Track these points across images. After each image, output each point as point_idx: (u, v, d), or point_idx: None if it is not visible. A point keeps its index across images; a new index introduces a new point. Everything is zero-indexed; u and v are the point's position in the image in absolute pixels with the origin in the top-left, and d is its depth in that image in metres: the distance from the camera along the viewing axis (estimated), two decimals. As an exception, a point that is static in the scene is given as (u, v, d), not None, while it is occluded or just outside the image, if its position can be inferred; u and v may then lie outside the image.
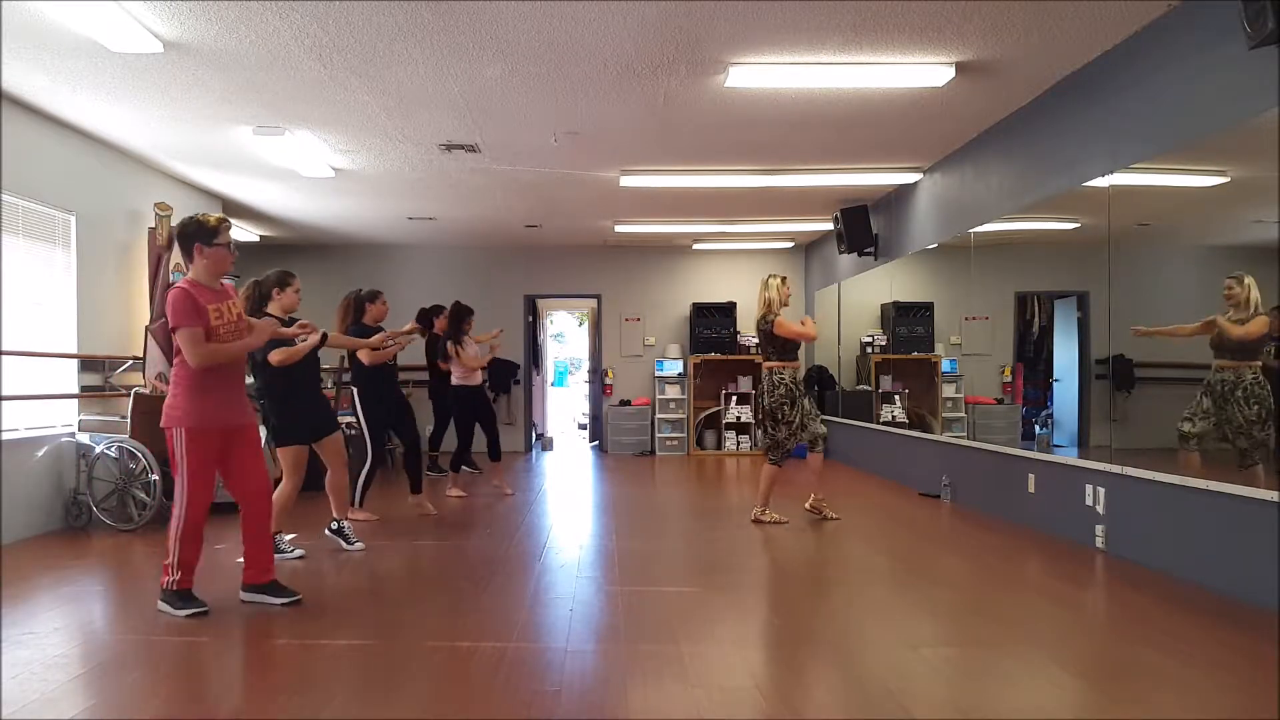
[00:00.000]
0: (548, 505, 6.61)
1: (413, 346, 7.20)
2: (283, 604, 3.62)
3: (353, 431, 5.91)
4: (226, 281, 3.71)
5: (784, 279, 5.57)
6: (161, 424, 3.47)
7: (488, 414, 6.87)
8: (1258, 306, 3.55)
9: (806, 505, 5.70)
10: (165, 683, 2.80)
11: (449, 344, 6.65)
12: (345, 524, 4.87)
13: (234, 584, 3.73)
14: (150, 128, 5.72)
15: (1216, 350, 3.80)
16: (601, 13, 4.02)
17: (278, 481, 4.44)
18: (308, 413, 4.58)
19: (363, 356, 5.63)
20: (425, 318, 7.63)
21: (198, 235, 3.49)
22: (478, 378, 6.80)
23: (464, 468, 7.31)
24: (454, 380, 6.74)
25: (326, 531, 4.88)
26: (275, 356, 4.35)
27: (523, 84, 4.95)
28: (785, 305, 5.50)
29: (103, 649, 3.14)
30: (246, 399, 3.73)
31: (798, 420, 5.42)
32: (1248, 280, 3.58)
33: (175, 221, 3.83)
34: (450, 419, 7.07)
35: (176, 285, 3.47)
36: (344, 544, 4.80)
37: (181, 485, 3.42)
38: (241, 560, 3.73)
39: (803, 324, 5.51)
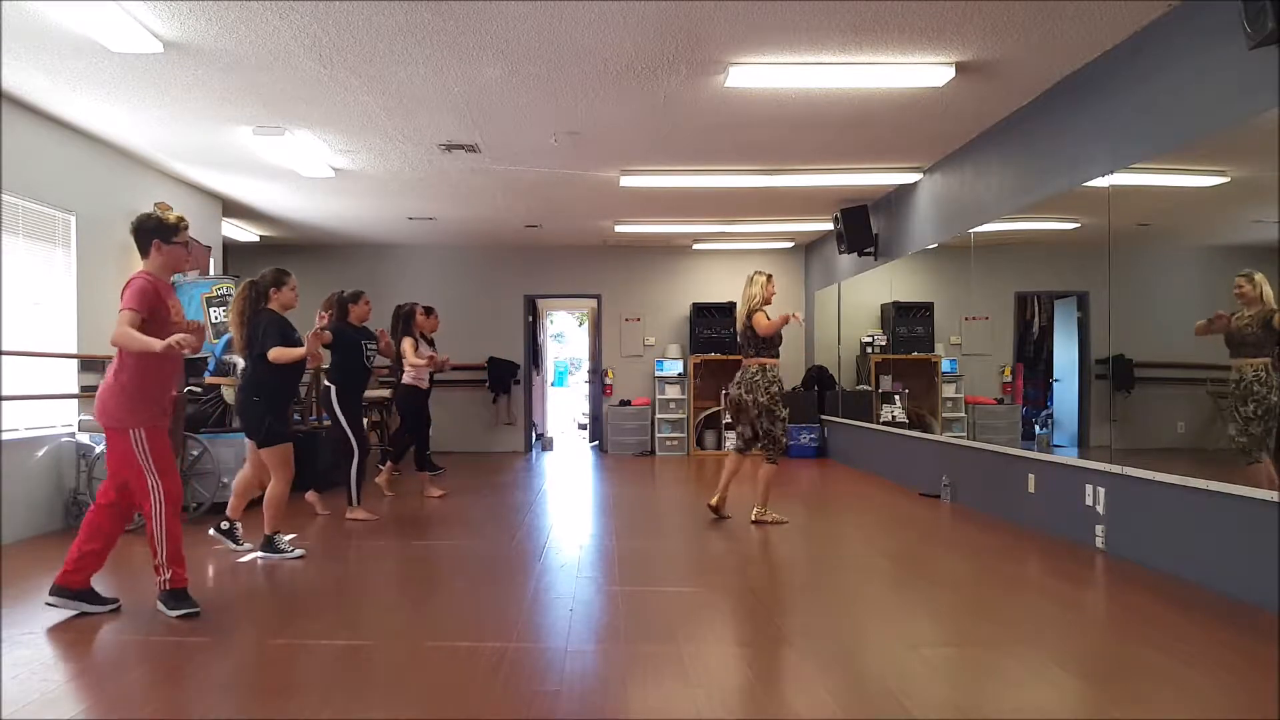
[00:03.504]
0: (548, 505, 6.61)
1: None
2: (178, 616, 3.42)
3: (324, 431, 5.81)
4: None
5: (769, 276, 5.52)
6: (108, 426, 3.39)
7: (426, 421, 6.73)
8: (1270, 302, 3.52)
9: (751, 518, 5.45)
10: (165, 683, 2.80)
11: (404, 340, 6.32)
12: (277, 536, 4.54)
13: (233, 584, 3.73)
14: (150, 128, 5.72)
15: (1234, 348, 3.73)
16: (601, 13, 4.02)
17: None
18: (284, 414, 4.60)
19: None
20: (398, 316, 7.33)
21: (157, 232, 3.49)
22: (425, 382, 6.60)
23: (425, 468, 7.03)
24: (404, 379, 6.50)
25: (212, 531, 4.69)
26: (274, 353, 4.35)
27: (523, 84, 4.95)
28: (768, 302, 5.45)
29: (103, 649, 3.13)
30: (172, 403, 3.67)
31: (786, 416, 5.43)
32: (1258, 277, 3.55)
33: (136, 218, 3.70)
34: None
35: (141, 274, 3.44)
36: (266, 553, 4.49)
37: (154, 483, 3.39)
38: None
39: (782, 318, 5.32)
